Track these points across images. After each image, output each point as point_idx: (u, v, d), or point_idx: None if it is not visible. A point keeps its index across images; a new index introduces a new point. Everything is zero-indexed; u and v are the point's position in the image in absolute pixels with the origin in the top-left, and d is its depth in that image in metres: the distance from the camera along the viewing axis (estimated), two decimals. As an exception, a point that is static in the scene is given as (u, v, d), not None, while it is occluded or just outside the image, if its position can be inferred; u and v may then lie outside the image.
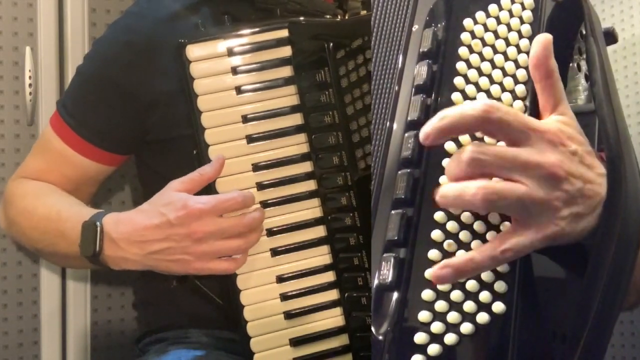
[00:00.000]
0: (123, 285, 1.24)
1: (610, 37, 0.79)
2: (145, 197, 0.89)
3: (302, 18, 0.93)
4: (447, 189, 0.60)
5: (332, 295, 0.89)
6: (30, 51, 1.16)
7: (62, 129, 1.01)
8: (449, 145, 0.64)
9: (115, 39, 0.98)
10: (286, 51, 0.90)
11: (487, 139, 0.64)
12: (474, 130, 0.62)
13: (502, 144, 0.62)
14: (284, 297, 0.88)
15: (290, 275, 0.89)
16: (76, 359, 1.19)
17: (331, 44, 0.89)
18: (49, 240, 0.95)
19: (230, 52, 0.89)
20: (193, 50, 0.88)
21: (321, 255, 0.89)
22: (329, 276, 0.89)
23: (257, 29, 0.90)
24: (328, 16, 0.96)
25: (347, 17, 0.97)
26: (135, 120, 0.98)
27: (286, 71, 0.90)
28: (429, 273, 0.61)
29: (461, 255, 0.60)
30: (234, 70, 0.89)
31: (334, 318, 0.89)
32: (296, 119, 0.90)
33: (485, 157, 0.59)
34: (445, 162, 0.63)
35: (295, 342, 0.88)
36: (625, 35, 1.31)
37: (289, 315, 0.88)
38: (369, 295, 0.87)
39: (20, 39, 1.16)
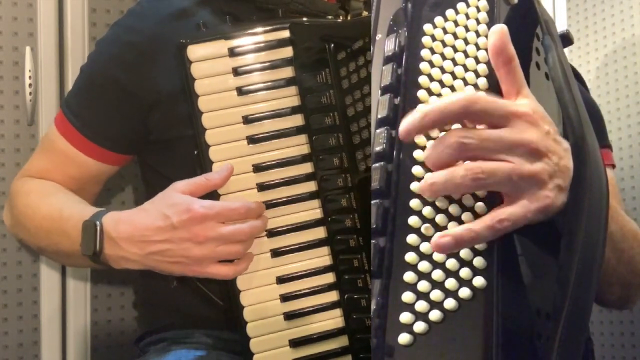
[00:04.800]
0: (123, 285, 1.24)
1: (566, 39, 0.83)
2: (147, 197, 0.89)
3: (304, 19, 0.93)
4: (435, 176, 0.62)
5: (332, 296, 0.89)
6: (30, 51, 1.16)
7: (66, 128, 1.01)
8: (419, 138, 0.66)
9: (117, 39, 0.98)
10: (287, 52, 0.90)
11: None
12: (455, 122, 0.63)
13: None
14: (284, 298, 0.88)
15: (290, 276, 0.89)
16: (76, 359, 1.19)
17: (332, 45, 0.89)
18: (52, 240, 0.96)
19: (232, 53, 0.89)
20: (194, 51, 0.88)
21: (321, 257, 0.89)
22: (329, 277, 0.89)
23: (258, 30, 0.90)
24: (330, 17, 0.96)
25: (348, 18, 0.97)
26: (137, 120, 0.98)
27: (287, 72, 0.90)
28: (434, 239, 0.62)
29: (459, 226, 0.61)
30: (235, 71, 0.89)
31: (333, 319, 0.89)
32: (297, 120, 0.90)
33: (470, 141, 0.60)
34: (416, 153, 0.65)
35: (295, 343, 0.88)
36: (625, 35, 1.31)
37: (289, 316, 0.88)
38: (368, 297, 0.87)
39: (20, 39, 1.16)
